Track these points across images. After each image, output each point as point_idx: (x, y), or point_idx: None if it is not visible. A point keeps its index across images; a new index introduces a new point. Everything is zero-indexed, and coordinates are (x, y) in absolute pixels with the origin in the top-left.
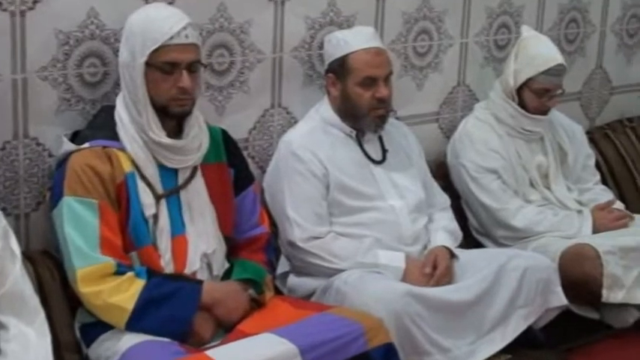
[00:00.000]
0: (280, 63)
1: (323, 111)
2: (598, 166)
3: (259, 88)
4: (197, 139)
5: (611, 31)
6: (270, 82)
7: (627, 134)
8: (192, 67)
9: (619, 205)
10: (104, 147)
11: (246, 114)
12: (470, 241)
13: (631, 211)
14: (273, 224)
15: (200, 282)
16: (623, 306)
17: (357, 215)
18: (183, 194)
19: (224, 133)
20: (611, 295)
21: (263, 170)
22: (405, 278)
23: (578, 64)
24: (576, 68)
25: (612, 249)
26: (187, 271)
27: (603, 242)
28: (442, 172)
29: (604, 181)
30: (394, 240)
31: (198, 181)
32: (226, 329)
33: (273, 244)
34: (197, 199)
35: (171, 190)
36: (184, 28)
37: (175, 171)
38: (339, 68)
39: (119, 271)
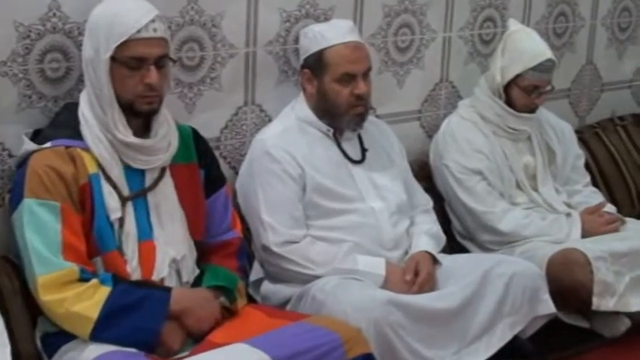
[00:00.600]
0: (254, 58)
1: (299, 109)
2: (588, 166)
3: (231, 85)
4: (165, 138)
5: (602, 25)
6: (242, 79)
7: (618, 133)
8: (160, 63)
9: (610, 208)
10: (67, 147)
11: (217, 112)
12: (453, 246)
13: (622, 214)
14: (246, 228)
15: (168, 289)
16: (614, 314)
17: (335, 218)
18: (150, 197)
19: (194, 132)
20: (602, 302)
21: (235, 171)
22: (385, 285)
23: (568, 60)
24: (565, 64)
25: (603, 254)
26: (155, 277)
27: (593, 247)
28: (424, 173)
29: (594, 183)
30: (374, 244)
31: (167, 183)
32: (196, 339)
33: (246, 249)
34: (165, 202)
35: (138, 192)
36: (152, 21)
37: (142, 172)
38: (316, 64)
39: (83, 278)
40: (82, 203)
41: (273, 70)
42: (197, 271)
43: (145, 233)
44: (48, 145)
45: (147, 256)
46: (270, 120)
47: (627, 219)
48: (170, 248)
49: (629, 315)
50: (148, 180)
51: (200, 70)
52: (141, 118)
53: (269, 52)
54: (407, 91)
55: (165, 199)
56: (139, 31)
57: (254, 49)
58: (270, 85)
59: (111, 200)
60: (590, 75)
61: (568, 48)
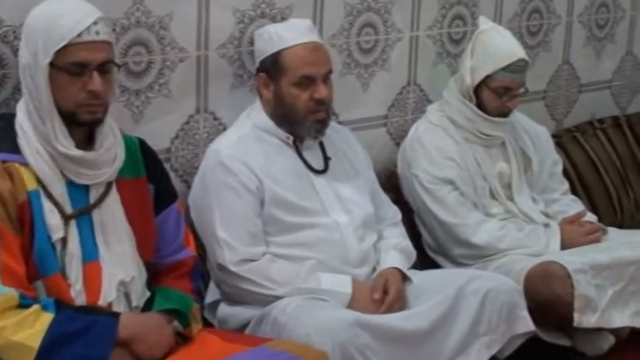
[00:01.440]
0: (206, 62)
1: (255, 116)
2: (566, 173)
3: (182, 91)
4: (111, 150)
5: (579, 22)
6: (194, 84)
7: (598, 137)
8: (104, 68)
9: (590, 217)
10: (3, 162)
11: (167, 121)
12: (424, 261)
13: (604, 223)
14: (201, 246)
15: (117, 315)
16: (596, 331)
17: (297, 233)
18: (96, 214)
19: (142, 143)
20: (584, 318)
21: (188, 185)
22: (351, 305)
23: (543, 60)
24: (540, 64)
25: (583, 267)
26: (102, 302)
27: (573, 259)
28: (392, 183)
29: (573, 191)
30: (339, 261)
31: (114, 199)
32: None
33: (200, 269)
34: (112, 220)
35: (82, 209)
36: (94, 23)
37: (86, 188)
38: (272, 67)
39: (23, 304)
40: (21, 223)
41: (227, 75)
42: (147, 294)
43: (90, 254)
44: None
45: (92, 279)
46: (224, 128)
47: (609, 228)
48: (118, 270)
49: (613, 331)
50: (93, 196)
51: (148, 76)
52: (84, 129)
53: (222, 56)
54: (372, 95)
55: (112, 217)
56: (80, 35)
57: (206, 53)
58: (224, 90)
59: (52, 219)
60: (567, 75)
61: (543, 47)
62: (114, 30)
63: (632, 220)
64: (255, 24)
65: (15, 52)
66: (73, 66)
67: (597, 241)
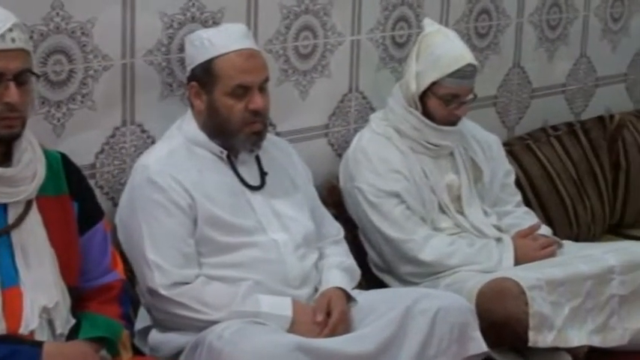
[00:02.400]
0: (132, 70)
1: (186, 128)
2: (519, 184)
3: (107, 102)
4: (30, 166)
5: (530, 23)
6: (120, 94)
7: (552, 145)
8: (21, 78)
9: (545, 230)
10: None
11: (91, 134)
12: (370, 280)
13: (559, 236)
14: (129, 269)
15: (39, 344)
16: (553, 350)
17: (232, 254)
18: (15, 235)
19: (64, 158)
20: (539, 337)
21: (114, 203)
22: (293, 328)
23: (492, 63)
24: (490, 68)
25: (538, 283)
26: (23, 330)
27: (527, 275)
28: (334, 198)
29: (527, 202)
30: (278, 282)
31: (34, 219)
32: None
33: (129, 294)
34: (33, 241)
35: (0, 230)
36: (10, 30)
37: (4, 207)
38: (204, 75)
39: None
40: None
41: (155, 84)
42: (73, 321)
43: (10, 278)
44: None
45: (12, 306)
46: (153, 142)
47: (564, 242)
48: (40, 295)
49: (570, 351)
50: (12, 216)
51: (69, 86)
52: (0, 144)
53: (150, 63)
54: (311, 104)
55: (33, 238)
56: None
57: (132, 60)
58: (152, 101)
59: None
60: (519, 80)
61: (492, 50)
62: (31, 37)
63: (588, 232)
64: (185, 29)
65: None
66: None
67: (552, 255)
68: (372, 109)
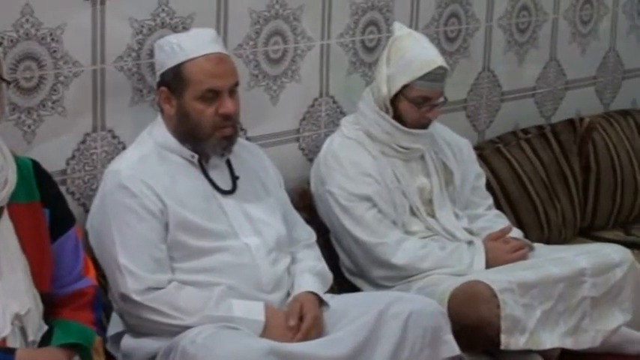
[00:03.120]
0: (102, 76)
1: (157, 133)
2: (490, 187)
3: (77, 108)
4: (1, 173)
5: (499, 27)
6: (90, 100)
7: (522, 148)
8: None
9: (516, 232)
10: None
11: (62, 140)
12: (342, 284)
13: (530, 239)
14: (102, 275)
15: (12, 351)
16: (525, 353)
17: (205, 258)
18: None
19: (35, 164)
20: (511, 340)
21: (86, 209)
22: (265, 333)
23: (462, 67)
24: (460, 72)
25: (510, 286)
26: None
27: (499, 278)
28: (305, 202)
29: (498, 205)
30: (251, 287)
31: (5, 226)
32: None
33: (102, 300)
34: (5, 248)
35: None
36: None
37: None
38: (174, 80)
39: None
40: None
41: (126, 90)
42: (45, 328)
43: None
44: None
45: None
46: (124, 147)
47: (536, 244)
48: (12, 302)
49: (542, 353)
50: None
51: (40, 93)
52: None
53: (120, 69)
54: (282, 109)
55: (4, 245)
56: None
57: (102, 66)
58: (123, 106)
59: None
60: (489, 83)
61: (462, 53)
62: (1, 44)
63: (559, 234)
64: (155, 34)
65: None
66: None
67: (524, 258)
68: (343, 114)
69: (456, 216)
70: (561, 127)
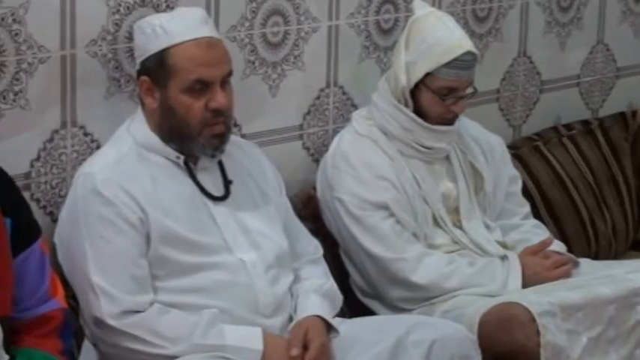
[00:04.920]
0: (72, 63)
1: (136, 130)
2: (527, 192)
3: (43, 101)
4: None
5: (537, 4)
6: (58, 92)
7: (565, 146)
8: None
9: (558, 245)
10: None
11: (25, 138)
12: (353, 306)
13: (575, 253)
14: (72, 296)
15: None
16: None
17: (193, 276)
18: None
19: None
20: None
21: (53, 218)
22: None
23: (494, 52)
24: (491, 57)
25: (551, 308)
26: None
27: (539, 300)
28: (311, 211)
29: (536, 214)
30: (247, 310)
31: None
32: None
33: (72, 325)
34: None
35: None
36: None
37: None
38: (157, 68)
39: None
40: None
41: (100, 79)
42: (6, 358)
43: None
44: None
45: None
46: (98, 146)
47: (581, 259)
48: None
49: None
50: None
51: None
52: None
53: (93, 55)
54: (283, 101)
55: None
56: None
57: (72, 52)
58: (97, 99)
59: None
60: (525, 71)
61: (494, 36)
62: None
63: (609, 248)
64: (135, 15)
65: None
66: None
67: (567, 275)
68: (354, 107)
69: (487, 227)
70: (611, 122)
